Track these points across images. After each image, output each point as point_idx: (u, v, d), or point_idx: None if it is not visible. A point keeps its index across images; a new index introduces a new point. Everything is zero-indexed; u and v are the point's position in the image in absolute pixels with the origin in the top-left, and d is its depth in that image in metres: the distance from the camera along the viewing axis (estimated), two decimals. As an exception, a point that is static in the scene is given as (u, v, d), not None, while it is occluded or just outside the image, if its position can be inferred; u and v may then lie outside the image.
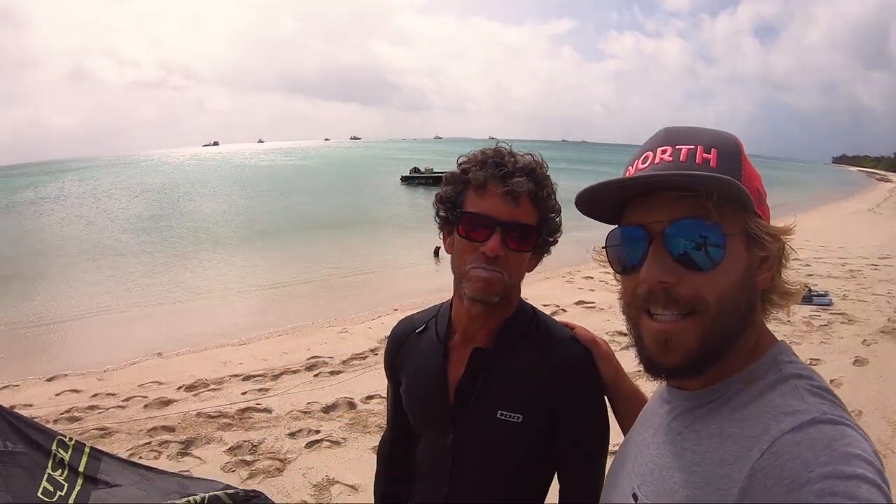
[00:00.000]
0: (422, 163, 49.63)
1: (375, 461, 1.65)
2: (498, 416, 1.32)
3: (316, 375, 5.89)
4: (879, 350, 6.26)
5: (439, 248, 14.13)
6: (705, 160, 0.78)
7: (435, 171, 42.35)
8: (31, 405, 5.38)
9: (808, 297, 8.27)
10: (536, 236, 1.29)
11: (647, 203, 0.80)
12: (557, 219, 1.34)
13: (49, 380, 6.31)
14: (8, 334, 8.72)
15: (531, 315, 1.39)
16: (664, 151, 0.81)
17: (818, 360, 5.92)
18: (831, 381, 5.31)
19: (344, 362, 6.27)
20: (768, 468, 0.64)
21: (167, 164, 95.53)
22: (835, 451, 0.62)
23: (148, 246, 17.15)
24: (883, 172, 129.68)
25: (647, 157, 0.82)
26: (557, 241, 1.37)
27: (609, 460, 1.15)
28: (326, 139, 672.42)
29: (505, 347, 1.36)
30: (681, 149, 0.80)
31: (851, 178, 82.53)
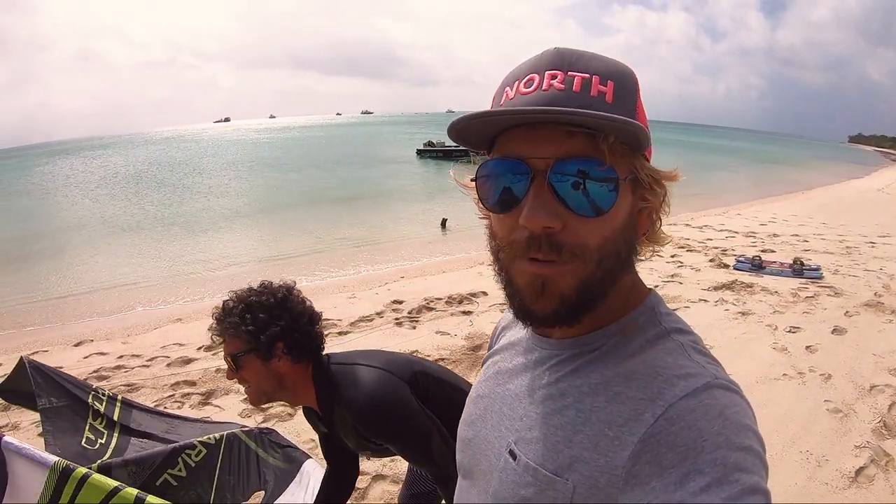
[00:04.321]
0: (434, 136, 50.05)
1: None
2: (365, 453, 1.96)
3: (326, 335, 6.19)
4: (860, 321, 6.47)
5: (446, 219, 14.56)
6: (601, 93, 0.69)
7: (446, 144, 43.33)
8: (61, 367, 5.72)
9: (800, 271, 8.53)
10: (237, 356, 1.72)
11: (531, 135, 0.70)
12: (263, 334, 1.70)
13: (76, 345, 6.68)
14: (34, 305, 9.17)
15: (334, 383, 1.79)
16: (554, 76, 0.70)
17: (798, 327, 6.19)
18: (807, 347, 5.64)
19: (352, 324, 6.58)
20: (662, 434, 0.64)
21: (179, 140, 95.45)
22: (727, 420, 0.63)
23: (166, 220, 17.54)
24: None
25: (531, 80, 0.71)
26: (279, 340, 1.74)
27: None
28: (338, 114, 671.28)
29: (328, 415, 1.83)
30: (574, 76, 0.70)
31: (865, 158, 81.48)
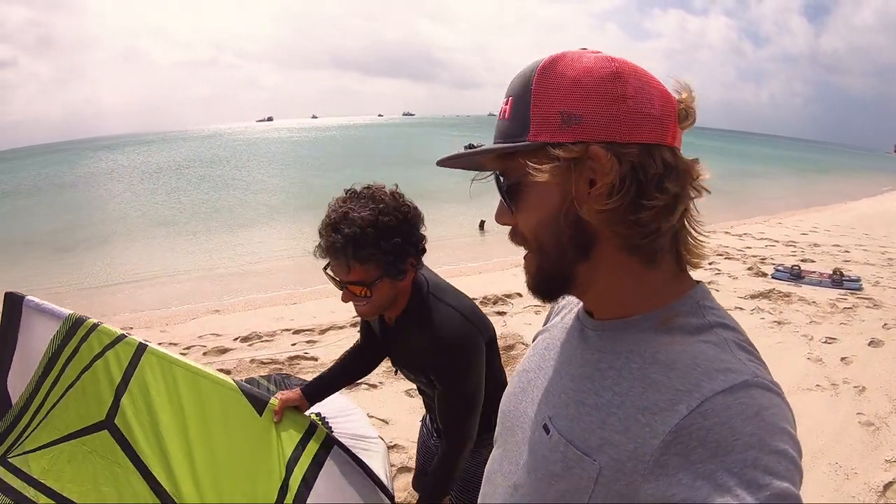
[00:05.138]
0: (475, 139, 50.41)
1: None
2: (404, 371, 1.93)
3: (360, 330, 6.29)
4: (899, 334, 6.33)
5: (484, 221, 14.51)
6: (504, 113, 0.81)
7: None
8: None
9: (839, 281, 8.37)
10: (372, 283, 1.66)
11: None
12: (400, 259, 1.66)
13: (116, 331, 6.87)
14: (77, 293, 9.42)
15: (420, 303, 1.79)
16: (505, 104, 0.83)
17: (834, 338, 6.08)
18: (843, 358, 5.54)
19: (387, 320, 6.60)
20: (695, 428, 0.64)
21: (221, 138, 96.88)
22: (763, 421, 0.62)
23: (203, 214, 17.81)
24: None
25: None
26: (411, 256, 1.71)
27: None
28: (380, 115, 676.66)
29: (400, 327, 1.85)
30: (504, 102, 0.82)
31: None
